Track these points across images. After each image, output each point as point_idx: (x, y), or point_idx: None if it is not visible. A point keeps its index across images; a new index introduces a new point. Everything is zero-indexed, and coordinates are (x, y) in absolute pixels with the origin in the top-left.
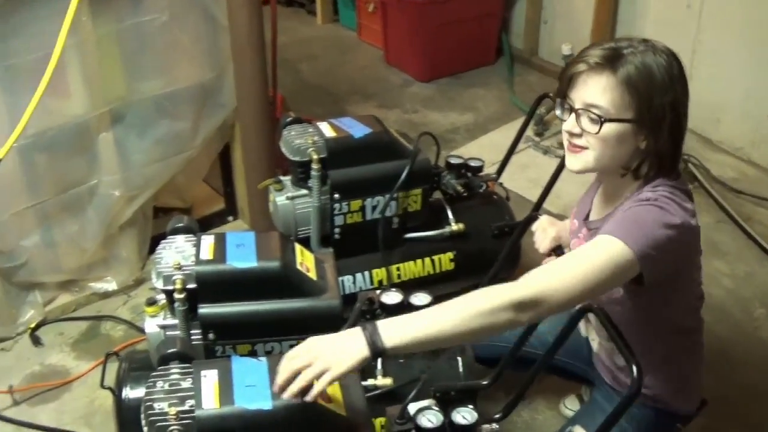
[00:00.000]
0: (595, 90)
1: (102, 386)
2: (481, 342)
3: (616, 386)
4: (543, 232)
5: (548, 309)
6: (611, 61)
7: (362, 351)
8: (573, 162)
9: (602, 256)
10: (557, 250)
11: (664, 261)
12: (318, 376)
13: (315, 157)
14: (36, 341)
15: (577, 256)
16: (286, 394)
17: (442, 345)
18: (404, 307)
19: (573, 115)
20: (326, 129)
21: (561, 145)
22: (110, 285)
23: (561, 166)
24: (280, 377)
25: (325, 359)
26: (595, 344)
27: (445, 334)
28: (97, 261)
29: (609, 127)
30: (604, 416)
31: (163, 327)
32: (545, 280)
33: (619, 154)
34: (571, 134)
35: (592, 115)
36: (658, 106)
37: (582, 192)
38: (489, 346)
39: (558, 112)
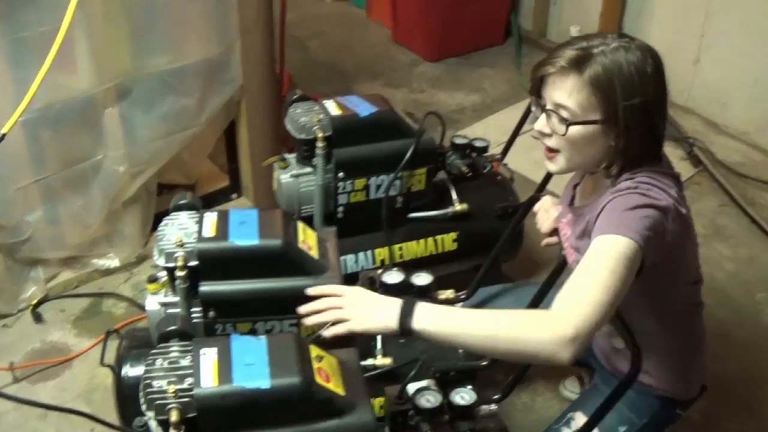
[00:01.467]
0: (562, 92)
1: (102, 364)
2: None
3: (610, 370)
4: (545, 213)
5: (589, 337)
6: (578, 62)
7: (390, 323)
8: (549, 165)
9: (612, 259)
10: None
11: (658, 243)
12: (339, 321)
13: (320, 135)
14: (37, 318)
15: (590, 270)
16: (307, 321)
17: (466, 349)
18: (405, 287)
19: (544, 114)
20: (332, 107)
21: None
22: (112, 262)
23: None
24: (310, 306)
25: (354, 311)
26: None
27: (470, 341)
28: (100, 237)
29: (575, 129)
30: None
31: (164, 304)
32: (578, 310)
33: (590, 154)
34: (542, 134)
35: (560, 117)
36: (627, 107)
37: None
38: None
39: (533, 108)
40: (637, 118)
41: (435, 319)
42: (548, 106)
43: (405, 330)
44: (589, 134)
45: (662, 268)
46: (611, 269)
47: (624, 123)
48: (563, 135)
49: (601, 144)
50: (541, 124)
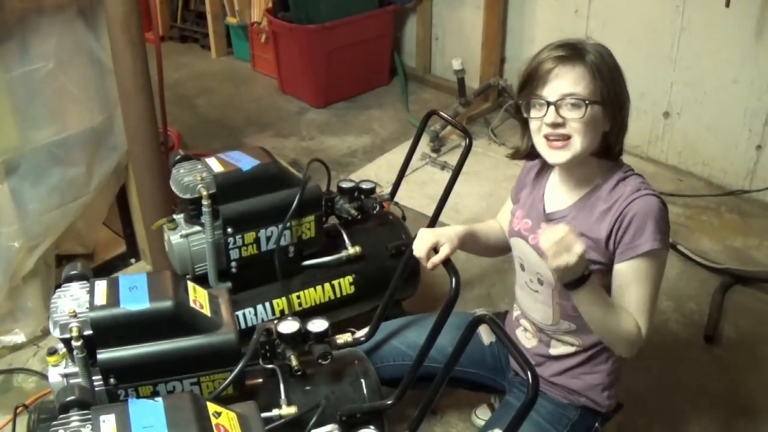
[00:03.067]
0: (570, 80)
1: None
2: (390, 362)
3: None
4: (420, 241)
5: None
6: (577, 52)
7: (572, 278)
8: (559, 155)
9: (656, 276)
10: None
11: None
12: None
13: (204, 193)
14: None
15: (644, 288)
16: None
17: (588, 321)
18: (302, 335)
19: (551, 108)
20: (214, 164)
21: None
22: (18, 337)
23: (453, 182)
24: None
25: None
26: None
27: (595, 323)
28: (4, 314)
29: (591, 110)
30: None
31: (66, 375)
32: (648, 322)
33: (595, 137)
34: (555, 125)
35: (574, 102)
36: (617, 90)
37: (484, 204)
38: (391, 366)
39: (525, 113)
40: (624, 101)
41: (591, 296)
42: (553, 99)
43: (569, 288)
44: (597, 116)
45: None
46: (657, 284)
47: (618, 105)
48: (582, 117)
49: (600, 128)
50: (552, 116)
